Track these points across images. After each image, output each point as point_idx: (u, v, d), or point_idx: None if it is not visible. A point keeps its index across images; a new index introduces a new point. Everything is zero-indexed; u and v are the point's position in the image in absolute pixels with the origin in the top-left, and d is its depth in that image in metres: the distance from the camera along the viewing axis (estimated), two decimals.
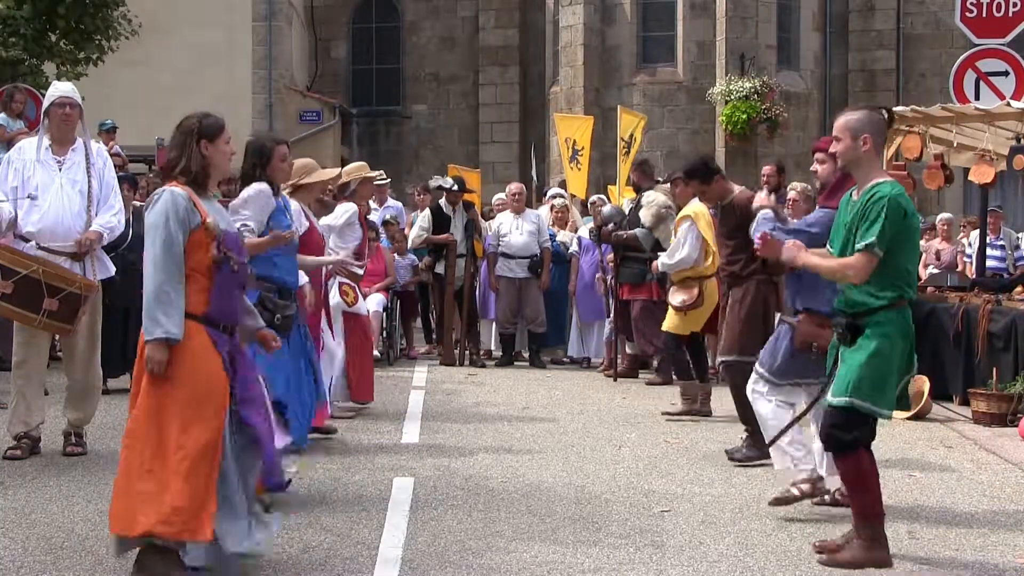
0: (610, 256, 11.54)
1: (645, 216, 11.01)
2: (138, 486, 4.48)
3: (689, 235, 9.21)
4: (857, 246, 4.94)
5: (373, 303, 11.51)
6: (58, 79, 14.96)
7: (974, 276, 12.12)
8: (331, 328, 7.88)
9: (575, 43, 23.03)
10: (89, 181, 7.00)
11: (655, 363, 11.50)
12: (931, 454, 7.81)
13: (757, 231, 6.17)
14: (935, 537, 5.59)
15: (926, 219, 11.75)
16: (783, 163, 13.81)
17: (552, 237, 12.92)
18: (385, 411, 9.03)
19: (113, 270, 7.52)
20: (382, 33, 26.58)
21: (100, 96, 17.32)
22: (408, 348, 13.49)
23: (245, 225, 6.08)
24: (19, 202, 6.85)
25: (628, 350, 11.75)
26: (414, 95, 26.35)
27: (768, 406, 6.17)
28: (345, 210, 8.71)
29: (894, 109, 12.06)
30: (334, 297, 8.35)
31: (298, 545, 5.17)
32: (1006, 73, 12.35)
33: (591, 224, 12.57)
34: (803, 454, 5.99)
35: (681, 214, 9.43)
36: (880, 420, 5.04)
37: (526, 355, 12.83)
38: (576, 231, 13.30)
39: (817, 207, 6.31)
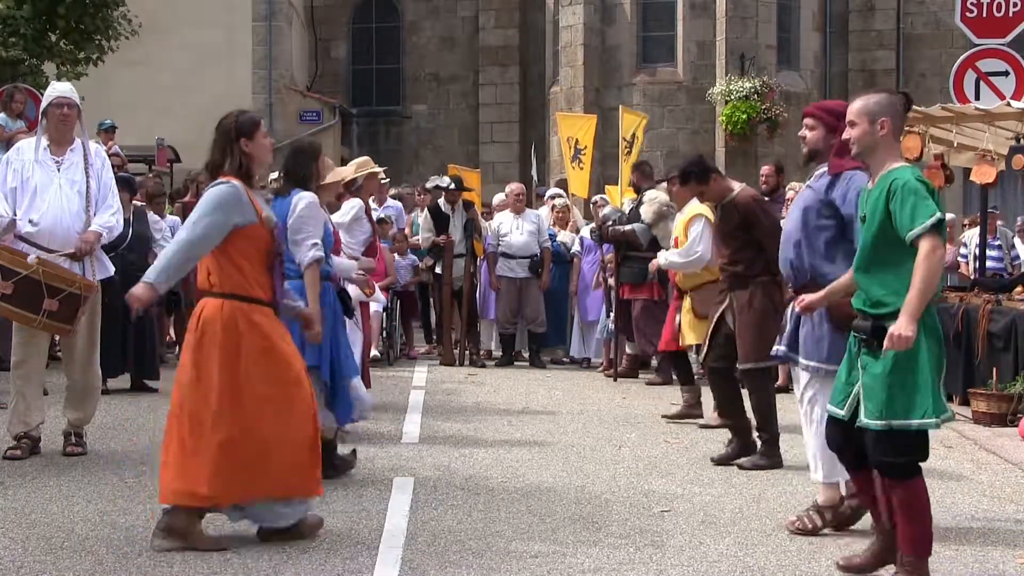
0: (610, 256, 11.54)
1: (646, 212, 11.00)
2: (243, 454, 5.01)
3: (704, 233, 8.66)
4: (915, 232, 4.43)
5: (373, 303, 11.50)
6: (58, 79, 14.96)
7: (973, 276, 12.11)
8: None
9: (575, 43, 23.03)
10: (87, 181, 7.01)
11: (655, 362, 11.50)
12: (931, 454, 7.76)
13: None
14: (935, 537, 5.57)
15: None
16: (782, 163, 13.81)
17: (553, 237, 12.93)
18: (385, 411, 9.02)
19: (112, 270, 7.52)
20: (382, 33, 26.58)
21: (100, 96, 17.34)
22: (408, 348, 13.49)
23: (316, 244, 6.18)
24: (17, 211, 6.87)
25: (628, 350, 11.75)
26: (414, 95, 26.35)
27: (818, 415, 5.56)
28: (352, 206, 8.70)
29: None
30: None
31: (298, 545, 5.17)
32: (1006, 73, 12.34)
33: (593, 224, 12.60)
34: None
35: (691, 212, 8.85)
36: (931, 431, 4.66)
37: (526, 355, 12.83)
38: (578, 231, 13.30)
39: (823, 175, 5.69)
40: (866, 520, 5.39)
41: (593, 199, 13.77)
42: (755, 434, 7.31)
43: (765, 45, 22.63)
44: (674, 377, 10.03)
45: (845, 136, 4.83)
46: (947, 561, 5.19)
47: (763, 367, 7.09)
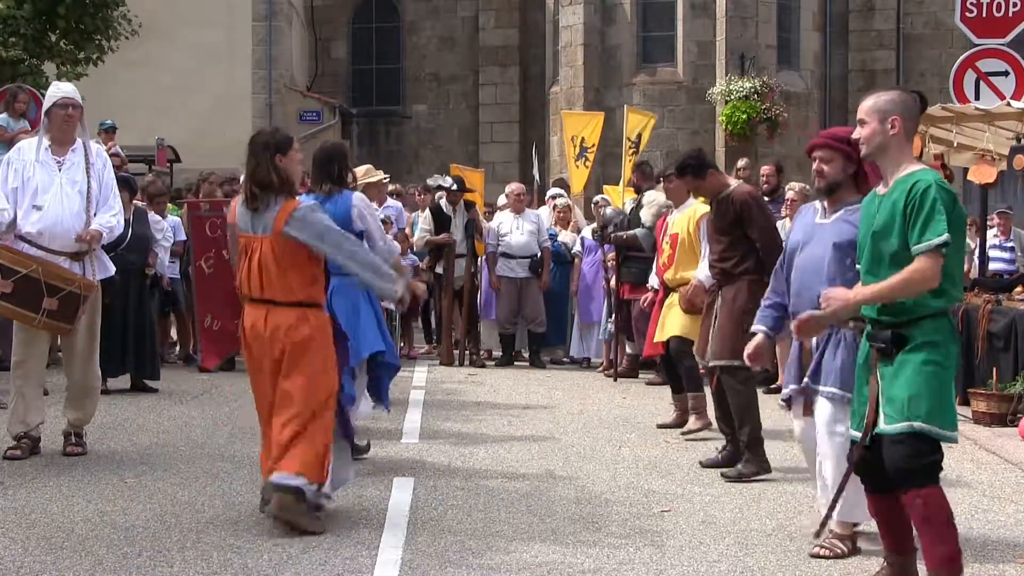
0: (611, 255, 11.55)
1: (646, 216, 11.02)
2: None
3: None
4: (919, 247, 4.22)
5: None
6: (58, 79, 14.98)
7: (975, 276, 12.10)
8: None
9: (575, 43, 23.03)
10: (88, 182, 7.01)
11: (658, 360, 11.47)
12: None
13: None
14: None
15: None
16: (782, 163, 13.82)
17: (554, 237, 12.93)
18: (385, 411, 9.02)
19: (113, 270, 7.53)
20: (382, 33, 26.58)
21: (100, 96, 17.34)
22: (408, 348, 13.49)
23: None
24: (18, 211, 6.88)
25: (628, 350, 11.75)
26: (414, 95, 26.35)
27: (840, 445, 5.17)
28: None
29: None
30: None
31: (298, 545, 5.17)
32: (1006, 73, 12.34)
33: (595, 225, 12.60)
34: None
35: (698, 214, 8.46)
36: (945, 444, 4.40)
37: (526, 355, 12.83)
38: (579, 231, 13.30)
39: (843, 210, 5.36)
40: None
41: (594, 199, 13.72)
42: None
43: (765, 45, 22.63)
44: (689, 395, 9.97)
45: (855, 136, 4.58)
46: None
47: (738, 365, 6.73)
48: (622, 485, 6.62)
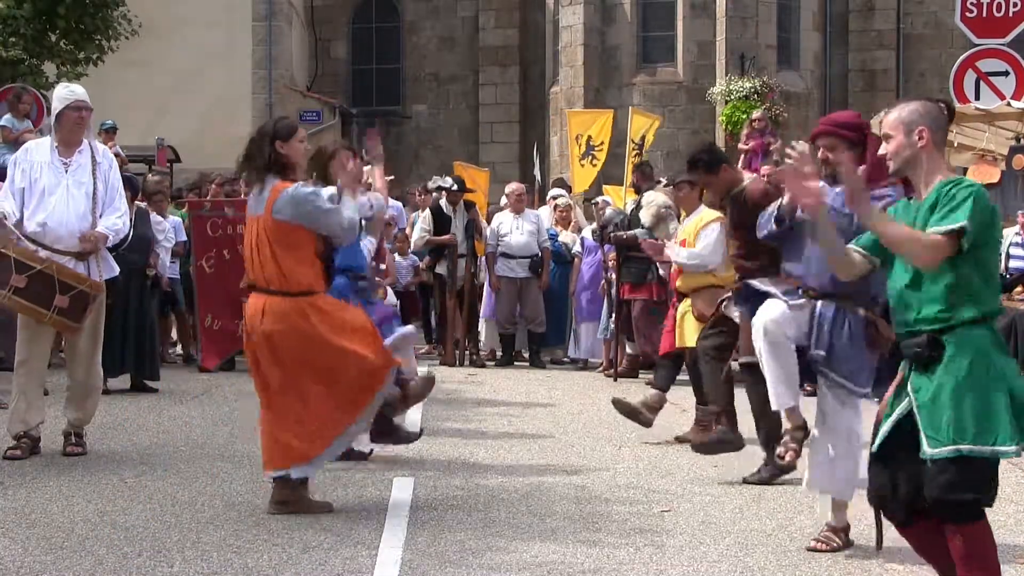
0: (612, 255, 11.55)
1: (645, 216, 11.02)
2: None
3: (719, 240, 8.15)
4: (938, 228, 3.94)
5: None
6: (58, 79, 14.99)
7: (1005, 274, 11.99)
8: None
9: (575, 43, 23.03)
10: (95, 183, 7.05)
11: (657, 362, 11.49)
12: None
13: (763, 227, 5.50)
14: None
15: None
16: (782, 163, 13.79)
17: (554, 237, 12.92)
18: None
19: (117, 270, 7.55)
20: (382, 33, 26.59)
21: (100, 96, 17.27)
22: None
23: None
24: (24, 212, 6.91)
25: (628, 350, 11.75)
26: (414, 95, 26.36)
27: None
28: None
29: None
30: None
31: (298, 545, 5.17)
32: (1006, 73, 12.35)
33: (594, 225, 12.60)
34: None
35: (704, 220, 8.39)
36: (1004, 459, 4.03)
37: (526, 355, 12.83)
38: (579, 231, 13.30)
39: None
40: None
41: (594, 200, 13.69)
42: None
43: (765, 45, 22.64)
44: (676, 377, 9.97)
45: (881, 152, 4.28)
46: None
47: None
48: (622, 485, 6.62)
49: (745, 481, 6.77)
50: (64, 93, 7.23)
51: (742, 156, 14.90)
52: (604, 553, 5.18)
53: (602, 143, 15.39)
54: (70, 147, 7.06)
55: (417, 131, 26.23)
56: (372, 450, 7.18)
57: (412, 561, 4.99)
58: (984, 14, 12.70)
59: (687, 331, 8.36)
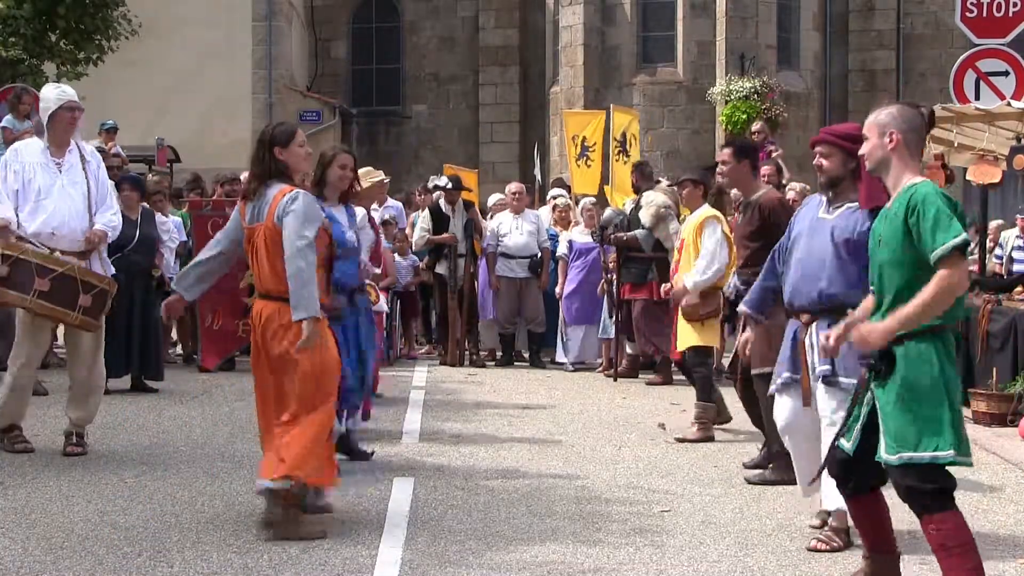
0: (612, 256, 11.55)
1: (644, 216, 11.02)
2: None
3: (718, 239, 8.39)
4: (938, 253, 4.06)
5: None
6: (58, 79, 14.98)
7: (1007, 275, 12.02)
8: None
9: (575, 43, 23.03)
10: (88, 182, 7.07)
11: (658, 360, 11.49)
12: None
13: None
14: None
15: None
16: (782, 163, 13.80)
17: (554, 237, 12.90)
18: (385, 411, 9.02)
19: (112, 270, 7.57)
20: (382, 33, 26.58)
21: (100, 96, 17.32)
22: (408, 348, 13.49)
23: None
24: (20, 214, 6.95)
25: (628, 350, 11.74)
26: (414, 95, 26.35)
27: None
28: (358, 214, 8.74)
29: None
30: None
31: (298, 545, 5.17)
32: (1006, 73, 12.33)
33: (581, 227, 12.51)
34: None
35: (702, 216, 8.59)
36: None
37: (526, 355, 12.83)
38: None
39: (844, 207, 5.41)
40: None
41: (583, 204, 13.25)
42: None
43: (765, 45, 22.63)
44: (675, 379, 10.02)
45: (860, 152, 4.53)
46: None
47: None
48: (622, 485, 6.62)
49: (747, 481, 6.78)
50: (56, 94, 7.22)
51: None
52: (604, 553, 5.19)
53: (595, 144, 15.38)
54: (61, 147, 7.09)
55: (417, 131, 26.22)
56: (373, 451, 7.19)
57: (412, 561, 4.99)
58: (984, 14, 12.68)
59: (681, 332, 8.52)
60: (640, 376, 11.61)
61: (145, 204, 10.24)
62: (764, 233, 6.76)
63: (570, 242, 12.59)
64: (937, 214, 4.10)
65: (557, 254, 12.61)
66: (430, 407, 9.39)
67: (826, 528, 5.44)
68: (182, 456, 7.15)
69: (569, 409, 9.49)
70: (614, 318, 11.62)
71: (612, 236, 11.26)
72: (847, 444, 4.47)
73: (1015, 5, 12.59)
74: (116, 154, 13.21)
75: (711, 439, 8.25)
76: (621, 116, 14.96)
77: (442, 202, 12.62)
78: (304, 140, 5.71)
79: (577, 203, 13.71)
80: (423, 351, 13.70)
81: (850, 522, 5.19)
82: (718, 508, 6.10)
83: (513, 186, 13.14)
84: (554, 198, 14.30)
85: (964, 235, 4.10)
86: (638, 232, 10.99)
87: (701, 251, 8.39)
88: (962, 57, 12.74)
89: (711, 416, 8.38)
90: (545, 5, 24.64)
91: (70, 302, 6.79)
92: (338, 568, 4.87)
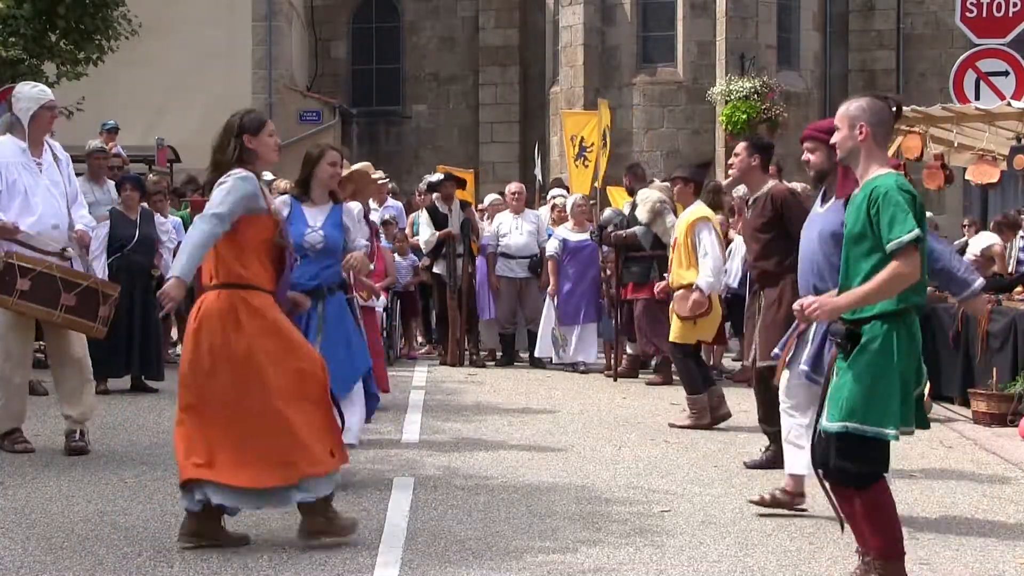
0: (611, 256, 11.55)
1: (641, 213, 11.04)
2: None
3: (712, 241, 8.68)
4: (892, 245, 4.36)
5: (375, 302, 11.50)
6: (58, 79, 14.99)
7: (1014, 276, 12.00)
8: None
9: (575, 43, 23.03)
10: (63, 182, 7.13)
11: (654, 363, 11.50)
12: (931, 454, 7.81)
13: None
14: (935, 537, 5.59)
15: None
16: (782, 163, 13.78)
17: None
18: (385, 411, 9.01)
19: (98, 269, 7.62)
20: (382, 33, 26.57)
21: (100, 96, 17.33)
22: (408, 348, 13.49)
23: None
24: (6, 208, 6.94)
25: (628, 350, 11.74)
26: (414, 95, 26.35)
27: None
28: (351, 210, 8.73)
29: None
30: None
31: (298, 545, 5.17)
32: (1006, 73, 12.35)
33: (570, 225, 12.37)
34: None
35: (692, 217, 8.83)
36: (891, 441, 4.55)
37: (525, 356, 12.82)
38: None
39: (833, 199, 5.72)
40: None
41: (572, 200, 12.86)
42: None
43: (765, 45, 22.63)
44: (675, 379, 10.03)
45: (831, 141, 4.82)
46: (947, 561, 5.19)
47: None
48: (622, 485, 6.62)
49: (745, 465, 7.03)
50: (36, 93, 7.21)
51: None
52: (604, 553, 5.19)
53: (592, 144, 15.34)
54: (38, 146, 7.10)
55: (417, 131, 26.21)
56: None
57: (412, 561, 4.99)
58: (984, 14, 12.70)
59: (672, 328, 8.96)
60: (640, 376, 11.62)
61: (144, 204, 10.24)
62: (776, 224, 6.83)
63: (564, 240, 12.27)
64: (895, 209, 4.38)
65: (547, 253, 12.30)
66: (430, 407, 9.39)
67: (777, 490, 5.91)
68: None
69: (569, 409, 9.49)
70: (614, 319, 11.62)
71: (611, 234, 11.26)
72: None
73: (1015, 5, 12.60)
74: (117, 154, 13.18)
75: (705, 427, 8.46)
76: (605, 112, 14.87)
77: (438, 202, 12.61)
78: (274, 131, 5.42)
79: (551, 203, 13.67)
80: (423, 351, 13.70)
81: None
82: (718, 508, 6.10)
83: (513, 186, 13.13)
84: (554, 198, 14.29)
85: (918, 231, 4.36)
86: (636, 229, 11.00)
87: (703, 252, 8.58)
88: (962, 57, 12.76)
89: (703, 406, 8.58)
90: (545, 5, 24.64)
91: (51, 301, 6.76)
92: (338, 568, 4.87)
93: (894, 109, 4.73)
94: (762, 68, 22.02)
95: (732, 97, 21.52)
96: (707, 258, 8.67)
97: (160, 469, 6.72)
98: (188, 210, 12.06)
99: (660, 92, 22.73)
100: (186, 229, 11.60)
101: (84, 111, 15.47)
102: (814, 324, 5.55)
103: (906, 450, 7.82)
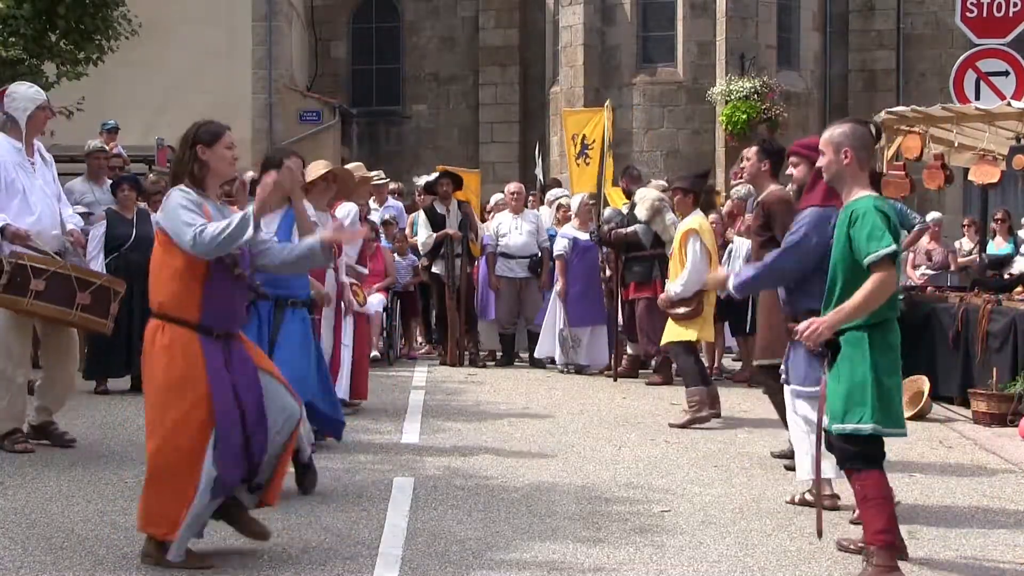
0: (611, 256, 11.56)
1: (640, 211, 11.06)
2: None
3: (700, 252, 8.94)
4: (868, 260, 4.71)
5: (373, 303, 11.52)
6: (58, 79, 14.98)
7: (975, 276, 12.09)
8: (339, 328, 7.95)
9: (575, 43, 23.03)
10: (53, 182, 7.19)
11: (653, 364, 11.50)
12: (931, 454, 7.81)
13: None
14: (935, 537, 5.59)
15: (923, 220, 11.72)
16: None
17: (555, 237, 12.85)
18: (385, 411, 9.03)
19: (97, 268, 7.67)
20: (382, 33, 26.58)
21: (100, 96, 17.31)
22: (408, 349, 13.49)
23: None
24: (4, 207, 6.95)
25: (629, 350, 11.74)
26: (414, 95, 26.34)
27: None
28: (347, 211, 8.75)
29: (894, 109, 12.10)
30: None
31: (298, 545, 5.18)
32: (1006, 73, 12.35)
33: (576, 224, 12.34)
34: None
35: (683, 228, 9.11)
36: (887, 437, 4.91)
37: (525, 356, 12.81)
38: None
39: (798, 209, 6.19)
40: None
41: (579, 199, 12.75)
42: None
43: (765, 45, 22.63)
44: (675, 379, 10.06)
45: (817, 165, 5.13)
46: (947, 561, 5.20)
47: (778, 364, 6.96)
48: (622, 485, 6.62)
49: (772, 455, 7.31)
50: (32, 93, 7.21)
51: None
52: (604, 553, 5.19)
53: (594, 142, 15.28)
54: (30, 147, 7.12)
55: (417, 131, 26.21)
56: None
57: (412, 561, 4.99)
58: (984, 14, 12.69)
59: (666, 329, 9.30)
60: (640, 376, 11.61)
61: (143, 204, 10.24)
62: (767, 228, 7.13)
63: (574, 239, 12.07)
64: (872, 227, 4.73)
65: (556, 252, 12.11)
66: (430, 407, 9.39)
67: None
68: None
69: (569, 409, 9.49)
70: (615, 319, 11.61)
71: (611, 232, 11.26)
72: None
73: (1015, 5, 12.60)
74: (118, 154, 13.18)
75: (703, 420, 8.68)
76: (609, 113, 14.79)
77: (436, 202, 12.61)
78: (232, 143, 5.06)
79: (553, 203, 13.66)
80: (423, 351, 13.69)
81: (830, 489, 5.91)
82: (718, 508, 6.10)
83: (512, 186, 13.12)
84: (558, 199, 14.23)
85: (894, 246, 4.72)
86: (637, 227, 11.00)
87: (686, 264, 8.99)
88: (962, 57, 12.76)
89: (701, 399, 8.78)
90: (545, 5, 24.64)
91: (67, 301, 6.80)
92: (338, 568, 4.87)
93: (874, 133, 5.09)
94: (762, 68, 22.02)
95: (732, 97, 21.52)
96: (684, 270, 9.01)
97: None
98: None
99: (660, 92, 22.73)
100: None
101: (84, 111, 15.47)
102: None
103: (906, 450, 7.82)
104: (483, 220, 13.65)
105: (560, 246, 12.08)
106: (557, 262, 12.08)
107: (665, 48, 22.90)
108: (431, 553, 5.12)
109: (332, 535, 5.35)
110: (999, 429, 8.69)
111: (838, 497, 6.05)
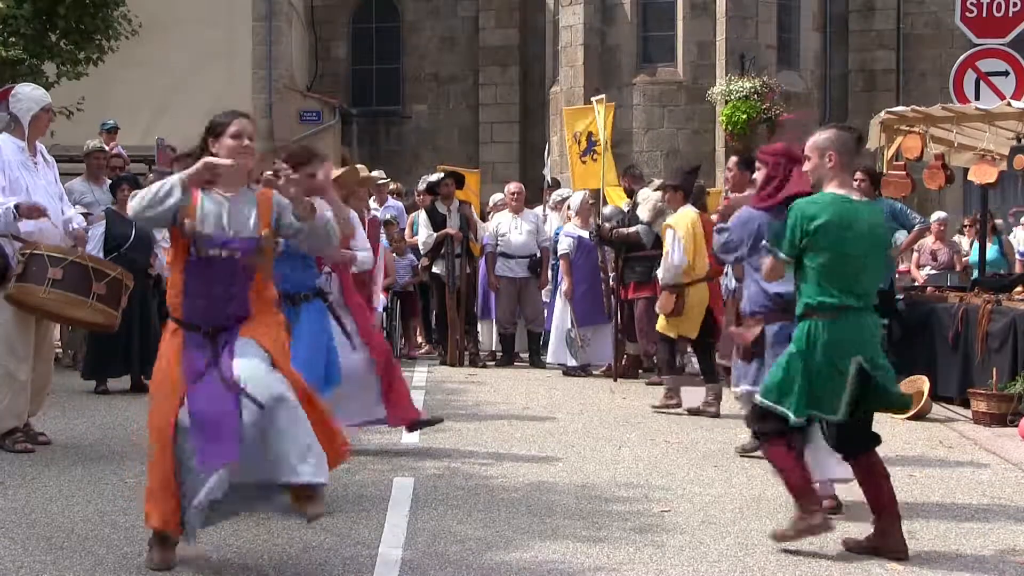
0: (612, 256, 11.56)
1: (643, 212, 11.07)
2: None
3: (675, 244, 9.48)
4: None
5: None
6: (58, 79, 14.99)
7: (975, 276, 12.08)
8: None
9: (575, 43, 23.03)
10: (55, 181, 7.23)
11: (655, 361, 11.48)
12: (931, 454, 7.81)
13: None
14: (935, 537, 5.59)
15: (924, 219, 11.71)
16: None
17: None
18: None
19: None
20: (382, 33, 26.57)
21: (100, 96, 17.33)
22: (408, 348, 13.49)
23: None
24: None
25: (629, 350, 11.74)
26: (414, 95, 26.34)
27: None
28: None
29: (894, 109, 12.10)
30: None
31: (298, 545, 5.18)
32: (1006, 73, 12.34)
33: (577, 222, 12.28)
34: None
35: (665, 224, 9.77)
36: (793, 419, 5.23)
37: (526, 355, 12.82)
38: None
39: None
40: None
41: (580, 197, 12.45)
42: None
43: (765, 45, 22.62)
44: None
45: (804, 168, 5.48)
46: (947, 561, 5.19)
47: None
48: (622, 485, 6.63)
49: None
50: (38, 95, 7.24)
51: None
52: (604, 553, 5.19)
53: (598, 138, 15.21)
54: (33, 147, 7.17)
55: (417, 131, 26.21)
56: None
57: (412, 561, 4.99)
58: (984, 14, 12.68)
59: (659, 321, 9.77)
60: (640, 376, 11.61)
61: None
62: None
63: (579, 238, 11.92)
64: (782, 226, 5.25)
65: (560, 251, 11.99)
66: (430, 408, 9.38)
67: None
68: None
69: (569, 409, 9.49)
70: (615, 319, 11.61)
71: (612, 232, 11.25)
72: (835, 416, 5.19)
73: (1015, 5, 12.59)
74: (118, 154, 13.18)
75: (676, 406, 9.38)
76: (574, 113, 14.80)
77: (437, 202, 12.61)
78: (239, 132, 4.81)
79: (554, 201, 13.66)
80: (423, 351, 13.69)
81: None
82: (718, 508, 6.10)
83: (512, 186, 13.12)
84: (564, 199, 14.18)
85: (771, 239, 5.33)
86: (639, 227, 11.02)
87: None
88: (962, 57, 12.74)
89: (673, 386, 9.52)
90: (545, 5, 24.64)
91: (84, 290, 6.89)
92: (338, 568, 4.87)
93: (855, 139, 5.39)
94: (762, 68, 22.02)
95: (732, 97, 21.51)
96: (663, 260, 9.67)
97: None
98: None
99: (660, 92, 22.73)
100: None
101: (84, 111, 15.47)
102: (767, 339, 6.37)
103: (906, 449, 7.83)
104: (483, 220, 13.64)
105: (565, 245, 11.98)
106: (562, 261, 11.98)
107: (665, 48, 22.90)
108: (431, 553, 5.12)
109: (332, 535, 5.35)
110: (999, 429, 8.69)
111: (836, 498, 6.02)
